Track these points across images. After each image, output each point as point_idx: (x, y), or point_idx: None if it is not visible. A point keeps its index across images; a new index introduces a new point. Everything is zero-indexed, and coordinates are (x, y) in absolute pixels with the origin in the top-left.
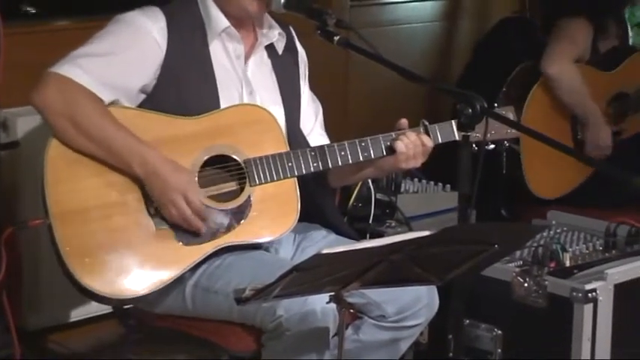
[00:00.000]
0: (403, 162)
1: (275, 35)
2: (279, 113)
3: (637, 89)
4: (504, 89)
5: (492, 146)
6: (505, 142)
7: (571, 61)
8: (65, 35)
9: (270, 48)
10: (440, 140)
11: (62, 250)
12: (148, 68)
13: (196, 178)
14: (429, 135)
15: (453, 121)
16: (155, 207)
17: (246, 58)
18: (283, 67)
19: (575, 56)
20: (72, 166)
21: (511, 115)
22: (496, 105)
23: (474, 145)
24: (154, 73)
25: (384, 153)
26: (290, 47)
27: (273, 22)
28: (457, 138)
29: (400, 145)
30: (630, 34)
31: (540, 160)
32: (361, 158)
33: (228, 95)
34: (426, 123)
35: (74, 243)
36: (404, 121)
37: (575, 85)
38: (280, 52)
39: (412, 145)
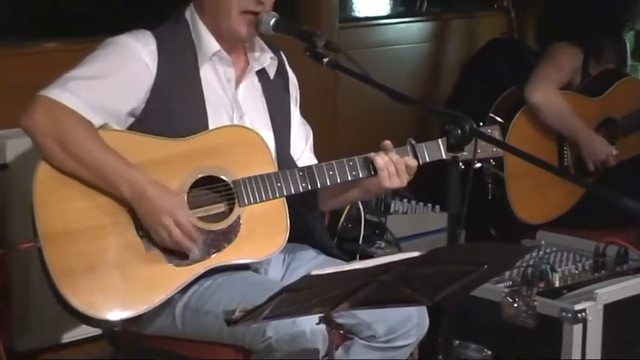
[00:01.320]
0: (386, 180)
1: (267, 60)
2: (269, 137)
3: (625, 115)
4: (490, 114)
5: (478, 165)
6: (491, 160)
7: (555, 89)
8: (55, 57)
9: (261, 72)
10: (427, 159)
11: (52, 271)
12: (137, 91)
13: (185, 199)
14: (416, 154)
15: (440, 140)
16: (145, 228)
17: (238, 82)
18: (274, 92)
19: (560, 82)
20: (61, 188)
21: (497, 134)
22: (482, 124)
23: (461, 165)
24: (143, 96)
25: (373, 172)
26: (281, 72)
27: (265, 46)
28: (444, 157)
29: (379, 162)
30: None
31: (525, 186)
32: (349, 178)
33: (217, 118)
34: (413, 142)
35: (63, 265)
36: (388, 143)
37: (559, 112)
38: (272, 76)
39: (391, 161)
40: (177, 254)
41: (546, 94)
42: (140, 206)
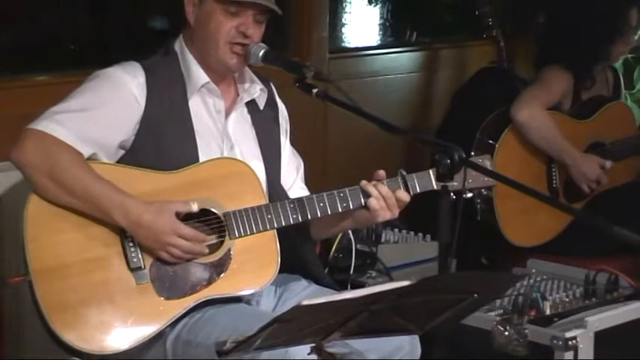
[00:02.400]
0: (378, 215)
1: (257, 91)
2: (259, 168)
3: (614, 142)
4: (478, 136)
5: (470, 195)
6: (483, 190)
7: (541, 107)
8: (44, 90)
9: (251, 103)
10: (418, 190)
11: (42, 306)
12: (126, 124)
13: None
14: (407, 184)
15: (431, 171)
16: (136, 261)
17: (227, 113)
18: (264, 123)
19: (548, 103)
20: (52, 220)
21: (488, 164)
22: (472, 153)
23: (452, 194)
24: (132, 128)
25: (363, 203)
26: (271, 103)
27: (254, 77)
28: (435, 187)
29: (371, 201)
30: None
31: (514, 207)
32: (340, 209)
33: (207, 150)
34: (404, 173)
35: (54, 299)
36: (381, 173)
37: (545, 130)
38: (262, 107)
39: (381, 196)
40: (168, 287)
41: (532, 112)
42: (138, 233)
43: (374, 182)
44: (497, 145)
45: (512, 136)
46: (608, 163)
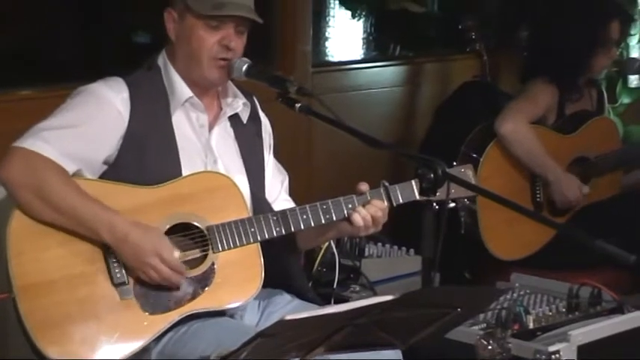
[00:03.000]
0: (362, 232)
1: (239, 105)
2: (243, 182)
3: (598, 155)
4: (463, 149)
5: (453, 204)
6: (466, 199)
7: (525, 121)
8: (29, 105)
9: (234, 117)
10: (400, 200)
11: (27, 323)
12: (110, 139)
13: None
14: (389, 195)
15: (414, 181)
16: (119, 276)
17: (210, 127)
18: (247, 137)
19: (532, 117)
20: (35, 237)
21: (470, 173)
22: (455, 163)
23: (434, 205)
24: (116, 143)
25: (346, 215)
26: (254, 117)
27: (238, 92)
28: (418, 198)
29: (357, 219)
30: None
31: (498, 219)
32: (323, 221)
33: (191, 165)
34: (386, 184)
35: (39, 315)
36: (364, 186)
37: (529, 144)
38: (245, 121)
39: (369, 216)
40: (152, 302)
41: (516, 125)
42: (123, 251)
43: (358, 207)
44: (481, 159)
45: (496, 150)
46: (585, 189)
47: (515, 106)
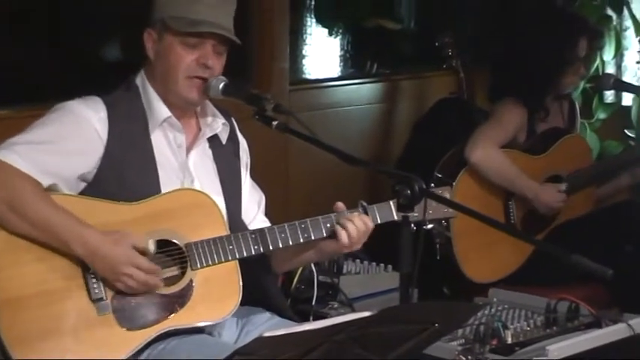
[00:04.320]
0: (346, 247)
1: (219, 126)
2: (219, 204)
3: (571, 173)
4: (436, 174)
5: (430, 225)
6: (443, 221)
7: (495, 146)
8: (5, 124)
9: (213, 138)
10: (379, 221)
11: (4, 337)
12: (87, 158)
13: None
14: (367, 215)
15: (392, 202)
16: (97, 292)
17: (189, 148)
18: (225, 158)
19: (501, 141)
20: (13, 252)
21: (448, 195)
22: (432, 185)
23: (412, 225)
24: (94, 162)
25: (324, 234)
26: (232, 137)
27: (217, 112)
28: (396, 218)
29: (343, 236)
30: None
31: (472, 245)
32: (301, 240)
33: (169, 184)
34: (365, 204)
35: (16, 331)
36: (340, 205)
37: (501, 169)
38: (224, 142)
39: (356, 230)
40: (130, 318)
41: (485, 152)
42: (96, 263)
43: (345, 219)
44: (454, 185)
45: (468, 176)
46: (564, 185)
47: (484, 132)
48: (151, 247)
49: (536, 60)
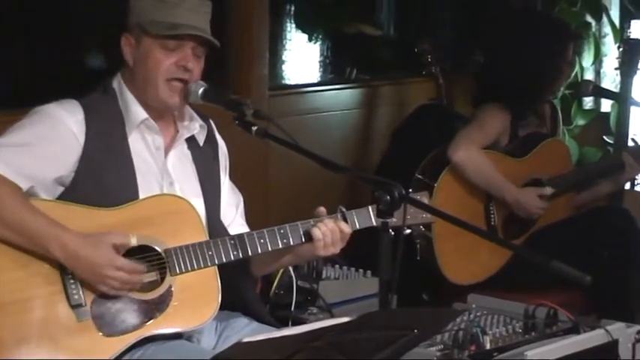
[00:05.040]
0: (321, 249)
1: (196, 128)
2: (199, 205)
3: (551, 178)
4: (417, 175)
5: (408, 231)
6: (421, 226)
7: (478, 148)
8: None
9: (191, 140)
10: (357, 226)
11: None
12: (65, 160)
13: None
14: (346, 221)
15: (370, 207)
16: (77, 297)
17: (167, 150)
18: (203, 160)
19: (484, 143)
20: None
21: (426, 200)
22: (411, 190)
23: (391, 231)
24: (71, 165)
25: (303, 240)
26: (210, 139)
27: (194, 114)
28: (374, 224)
29: (317, 233)
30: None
31: (453, 247)
32: (280, 245)
33: (147, 187)
34: (343, 209)
35: None
36: (322, 210)
37: (482, 170)
38: (201, 144)
39: (329, 232)
40: (109, 324)
41: (468, 152)
42: (76, 266)
43: (319, 219)
44: (435, 186)
45: (450, 178)
46: (548, 190)
47: (467, 133)
48: (133, 241)
49: (527, 65)
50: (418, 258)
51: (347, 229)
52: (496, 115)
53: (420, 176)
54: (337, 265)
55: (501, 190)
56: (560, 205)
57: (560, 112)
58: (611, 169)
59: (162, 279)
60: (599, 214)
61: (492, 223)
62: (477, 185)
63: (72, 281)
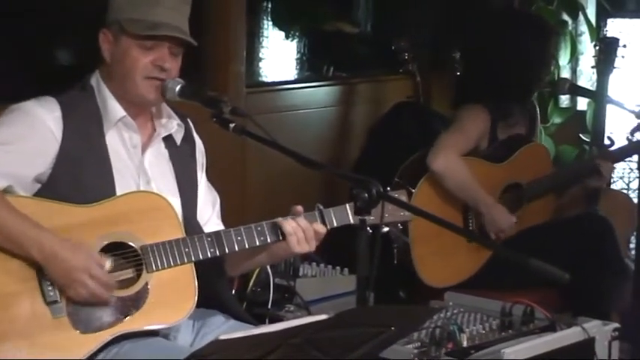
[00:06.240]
0: (295, 246)
1: (174, 126)
2: (176, 204)
3: (530, 181)
4: (396, 179)
5: (386, 229)
6: (399, 225)
7: (457, 156)
8: None
9: (168, 138)
10: (335, 224)
11: None
12: (42, 158)
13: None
14: (323, 219)
15: (348, 205)
16: (52, 294)
17: (144, 148)
18: (180, 158)
19: (464, 149)
20: None
21: (404, 198)
22: (389, 189)
23: (368, 229)
24: (49, 162)
25: (280, 237)
26: (187, 138)
27: (172, 113)
28: (352, 221)
29: (288, 228)
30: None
31: (430, 250)
32: (257, 242)
33: (124, 184)
34: (321, 207)
35: None
36: (299, 209)
37: (461, 178)
38: (179, 142)
39: (300, 227)
40: (84, 320)
41: (448, 161)
42: (51, 267)
43: (291, 216)
44: (414, 192)
45: (428, 184)
46: (513, 219)
47: (447, 139)
48: (107, 264)
49: (510, 63)
50: (395, 262)
51: (320, 227)
52: (477, 117)
53: (399, 180)
54: (314, 263)
55: (477, 201)
56: (538, 208)
57: (538, 112)
58: (588, 173)
59: (139, 276)
60: (576, 221)
61: (470, 229)
62: (454, 193)
63: (47, 278)
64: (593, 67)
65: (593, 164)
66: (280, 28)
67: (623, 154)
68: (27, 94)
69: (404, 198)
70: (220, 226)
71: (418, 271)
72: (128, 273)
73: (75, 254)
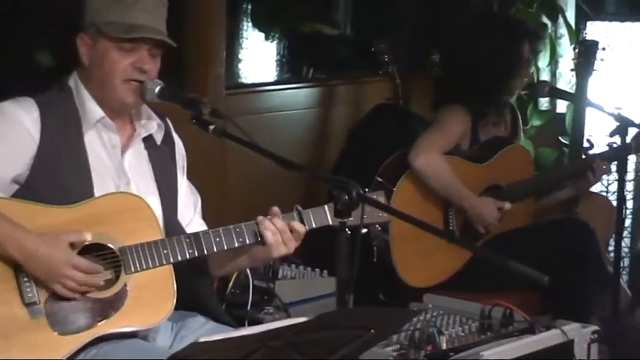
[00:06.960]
0: (274, 250)
1: (154, 127)
2: (155, 204)
3: (510, 183)
4: (377, 178)
5: (365, 230)
6: (377, 226)
7: (438, 153)
8: None
9: (148, 139)
10: (314, 225)
11: None
12: (20, 158)
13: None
14: (302, 220)
15: (327, 206)
16: (30, 295)
17: (124, 149)
18: (160, 159)
19: (444, 147)
20: None
21: (382, 200)
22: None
23: (347, 230)
24: (26, 163)
25: (259, 238)
26: (167, 138)
27: (152, 113)
28: (330, 222)
29: (267, 235)
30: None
31: (411, 250)
32: (236, 244)
33: (103, 185)
34: (299, 208)
35: None
36: (275, 209)
37: (443, 176)
38: (159, 143)
39: (277, 230)
40: (63, 322)
41: (429, 159)
42: (34, 267)
43: (269, 217)
44: (394, 190)
45: (409, 182)
46: (507, 205)
47: (428, 138)
48: (88, 237)
49: (484, 64)
50: (375, 260)
51: (299, 227)
52: (456, 118)
53: (379, 179)
54: (294, 265)
55: (460, 198)
56: (518, 211)
57: (519, 115)
58: (572, 176)
59: (118, 277)
60: (557, 225)
61: (451, 228)
62: (436, 191)
63: (26, 279)
64: (572, 70)
65: (587, 164)
66: (260, 30)
67: (611, 157)
68: (4, 95)
69: (382, 199)
70: (203, 227)
71: (398, 271)
72: (107, 275)
73: (53, 249)
